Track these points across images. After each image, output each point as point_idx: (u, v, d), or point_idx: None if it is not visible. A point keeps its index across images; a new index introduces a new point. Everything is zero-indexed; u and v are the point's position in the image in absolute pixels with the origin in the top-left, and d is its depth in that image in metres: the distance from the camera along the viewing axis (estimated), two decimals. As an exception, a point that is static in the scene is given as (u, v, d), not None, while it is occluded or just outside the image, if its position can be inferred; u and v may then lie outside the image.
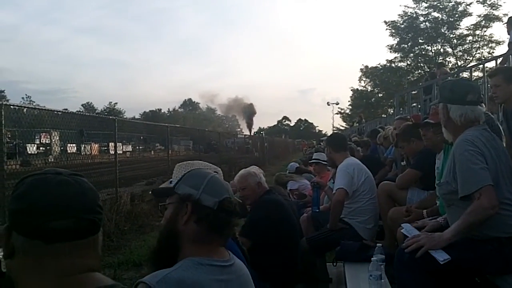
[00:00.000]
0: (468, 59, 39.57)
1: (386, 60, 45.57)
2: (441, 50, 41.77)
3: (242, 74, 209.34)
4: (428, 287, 2.68)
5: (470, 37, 39.95)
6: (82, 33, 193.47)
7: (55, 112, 9.42)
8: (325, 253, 4.93)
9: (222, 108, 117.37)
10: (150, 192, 2.04)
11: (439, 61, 33.14)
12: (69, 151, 11.58)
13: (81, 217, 1.14)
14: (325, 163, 7.16)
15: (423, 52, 42.66)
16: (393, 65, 45.09)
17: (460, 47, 40.70)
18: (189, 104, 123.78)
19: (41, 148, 13.93)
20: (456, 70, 26.50)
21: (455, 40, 40.48)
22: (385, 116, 36.06)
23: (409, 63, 44.22)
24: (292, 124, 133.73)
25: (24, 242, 1.12)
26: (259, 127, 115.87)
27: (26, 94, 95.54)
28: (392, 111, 36.35)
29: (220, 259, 1.65)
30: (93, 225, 1.18)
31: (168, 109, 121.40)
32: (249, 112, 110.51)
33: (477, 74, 10.29)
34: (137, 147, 26.46)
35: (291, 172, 7.80)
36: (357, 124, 28.06)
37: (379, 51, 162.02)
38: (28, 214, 1.11)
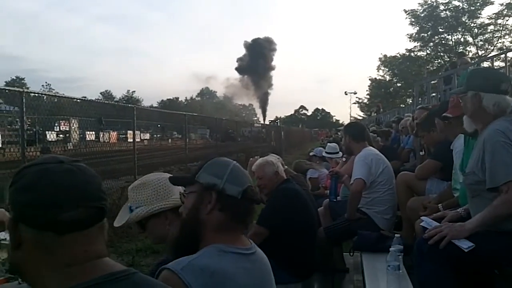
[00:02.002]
0: (489, 49, 38.98)
1: (406, 49, 45.20)
2: (462, 39, 41.16)
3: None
4: (448, 278, 2.66)
5: (492, 26, 39.32)
6: (101, 21, 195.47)
7: (74, 100, 9.48)
8: (342, 243, 4.92)
9: (229, 90, 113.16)
10: (168, 179, 2.00)
11: (459, 51, 32.67)
12: (88, 139, 11.69)
13: (90, 206, 1.14)
14: (330, 156, 7.27)
15: (443, 41, 42.09)
16: (412, 54, 44.63)
17: (481, 36, 40.06)
18: (206, 93, 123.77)
19: (60, 135, 14.11)
20: (476, 59, 26.08)
21: (476, 29, 39.84)
22: (403, 106, 35.71)
23: (428, 52, 43.71)
24: (309, 113, 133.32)
25: (34, 234, 1.10)
26: (276, 116, 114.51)
27: (46, 82, 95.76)
28: (410, 101, 35.99)
29: (243, 247, 1.65)
30: (101, 212, 1.17)
31: (186, 97, 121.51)
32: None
33: (498, 64, 10.08)
34: (155, 135, 26.64)
35: (318, 155, 7.88)
36: (375, 114, 27.87)
37: (398, 40, 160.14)
38: (38, 207, 1.08)
